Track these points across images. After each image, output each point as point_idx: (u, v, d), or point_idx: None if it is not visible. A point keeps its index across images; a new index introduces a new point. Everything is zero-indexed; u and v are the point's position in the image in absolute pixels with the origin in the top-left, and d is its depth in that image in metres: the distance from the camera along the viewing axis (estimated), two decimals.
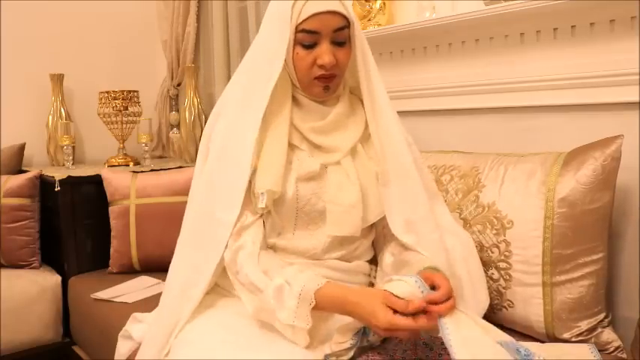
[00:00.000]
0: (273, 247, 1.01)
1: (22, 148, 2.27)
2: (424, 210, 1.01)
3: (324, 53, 0.95)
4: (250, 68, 1.03)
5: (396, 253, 1.01)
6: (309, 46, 0.96)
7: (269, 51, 0.98)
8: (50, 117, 2.37)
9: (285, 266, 0.92)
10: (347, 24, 0.96)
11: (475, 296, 1.02)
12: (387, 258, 1.03)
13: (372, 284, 1.05)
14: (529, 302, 1.05)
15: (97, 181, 1.95)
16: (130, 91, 2.30)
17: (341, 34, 0.96)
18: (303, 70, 0.98)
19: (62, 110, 2.38)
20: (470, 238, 1.07)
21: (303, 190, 0.98)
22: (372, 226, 1.05)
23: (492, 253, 1.08)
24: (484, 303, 1.04)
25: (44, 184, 1.99)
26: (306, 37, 0.95)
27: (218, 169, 1.01)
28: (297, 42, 0.96)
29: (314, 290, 0.83)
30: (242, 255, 0.94)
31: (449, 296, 0.79)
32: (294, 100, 1.03)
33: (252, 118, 0.97)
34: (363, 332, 0.84)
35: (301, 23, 0.94)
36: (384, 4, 1.62)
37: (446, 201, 1.17)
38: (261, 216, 0.99)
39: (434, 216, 1.02)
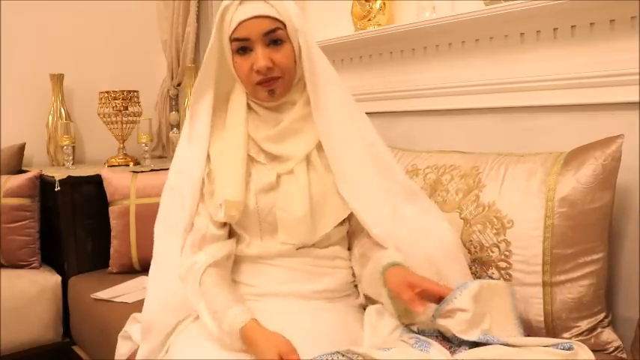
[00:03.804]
0: (246, 257, 1.03)
1: (22, 148, 2.27)
2: (387, 211, 1.01)
3: (258, 58, 0.95)
4: (198, 83, 1.05)
5: (365, 246, 1.02)
6: (245, 52, 0.97)
7: (208, 63, 1.02)
8: (50, 117, 2.37)
9: (218, 296, 0.94)
10: (280, 25, 0.96)
11: None
12: (355, 251, 1.05)
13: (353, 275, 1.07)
14: (529, 302, 1.05)
15: (97, 181, 1.95)
16: (130, 91, 2.30)
17: (274, 35, 0.96)
18: (243, 77, 0.99)
19: (62, 110, 2.38)
20: (448, 232, 1.03)
21: (263, 201, 0.99)
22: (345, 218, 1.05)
23: (492, 252, 1.08)
24: None
25: (44, 184, 1.99)
26: (238, 45, 0.97)
27: (176, 182, 1.07)
28: (233, 51, 0.98)
29: (238, 328, 0.88)
30: (191, 273, 0.97)
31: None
32: (250, 109, 1.04)
33: (201, 131, 1.03)
34: None
35: (232, 33, 0.96)
36: (384, 4, 1.62)
37: (446, 201, 1.17)
38: (228, 229, 1.02)
39: (401, 216, 1.01)
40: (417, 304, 0.84)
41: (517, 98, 1.32)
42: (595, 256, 1.02)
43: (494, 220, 1.09)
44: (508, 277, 1.07)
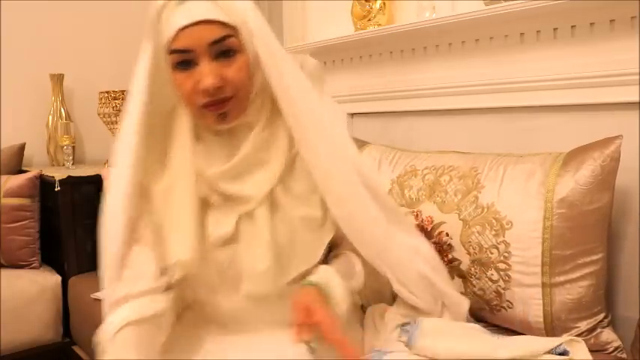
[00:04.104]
0: (214, 309, 0.87)
1: (22, 148, 2.27)
2: (380, 233, 0.89)
3: (204, 75, 0.76)
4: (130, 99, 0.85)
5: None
6: (187, 68, 0.77)
7: (139, 76, 0.82)
8: (50, 117, 2.37)
9: None
10: (231, 32, 0.77)
11: (449, 306, 0.97)
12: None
13: None
14: (528, 303, 1.05)
15: (97, 181, 1.95)
16: None
17: (223, 45, 0.77)
18: (185, 98, 0.80)
19: (62, 110, 2.38)
20: (428, 246, 1.00)
21: (222, 254, 0.82)
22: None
23: (492, 254, 1.08)
24: (463, 307, 0.98)
25: (44, 184, 1.99)
26: (177, 58, 0.78)
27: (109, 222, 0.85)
28: (171, 65, 0.79)
29: None
30: (104, 337, 0.77)
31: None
32: (198, 137, 0.85)
33: (128, 163, 0.83)
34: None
35: (170, 42, 0.77)
36: (384, 4, 1.61)
37: (445, 202, 1.17)
38: (165, 280, 0.83)
39: (392, 236, 0.91)
40: (296, 332, 0.75)
41: (517, 98, 1.32)
42: (594, 257, 1.02)
43: (494, 221, 1.08)
44: (507, 278, 1.07)
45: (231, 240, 0.83)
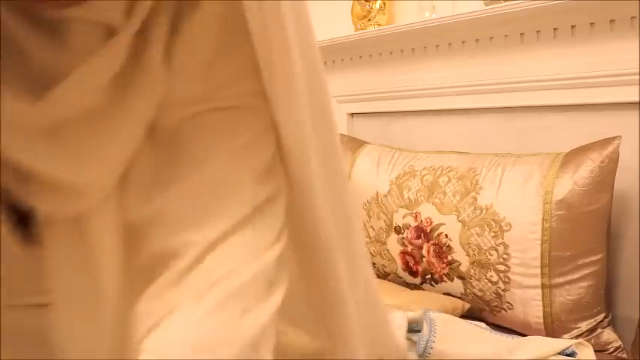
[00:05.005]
0: None
1: None
2: None
3: None
4: None
5: None
6: None
7: None
8: None
9: None
10: None
11: None
12: None
13: None
14: (528, 304, 1.05)
15: None
16: None
17: None
18: None
19: None
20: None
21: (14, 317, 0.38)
22: None
23: (491, 255, 1.08)
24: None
25: None
26: None
27: None
28: None
29: None
30: None
31: None
32: None
33: None
34: None
35: None
36: (384, 4, 1.61)
37: (443, 203, 1.17)
38: None
39: None
40: None
41: (516, 98, 1.32)
42: (593, 258, 1.02)
43: (492, 223, 1.08)
44: (507, 279, 1.07)
45: (33, 276, 0.37)
